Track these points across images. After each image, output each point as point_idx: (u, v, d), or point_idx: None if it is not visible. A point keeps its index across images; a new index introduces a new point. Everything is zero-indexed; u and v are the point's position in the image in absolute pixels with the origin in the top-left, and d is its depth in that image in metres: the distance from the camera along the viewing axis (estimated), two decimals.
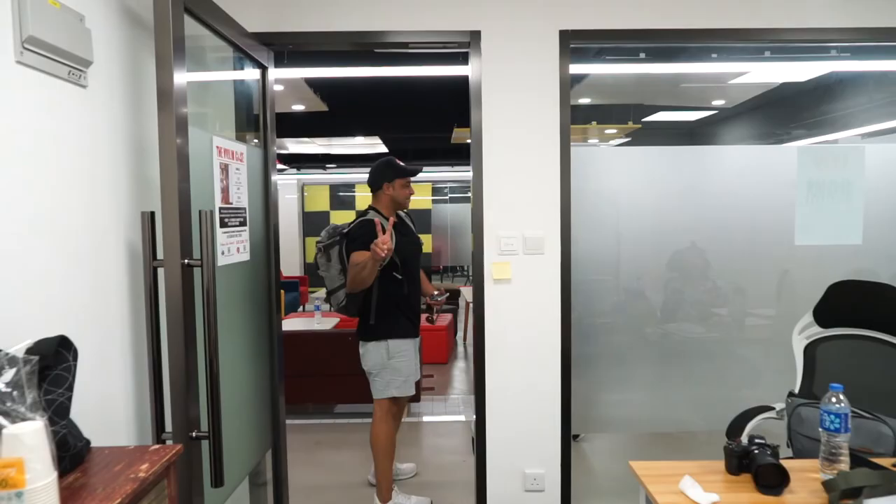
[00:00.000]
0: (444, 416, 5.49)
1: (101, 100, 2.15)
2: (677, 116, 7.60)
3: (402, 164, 3.80)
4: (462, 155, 10.02)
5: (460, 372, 7.06)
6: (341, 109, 6.48)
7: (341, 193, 14.25)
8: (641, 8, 3.27)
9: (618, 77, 4.14)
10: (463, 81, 3.42)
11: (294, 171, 13.35)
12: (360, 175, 12.93)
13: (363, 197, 13.53)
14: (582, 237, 3.44)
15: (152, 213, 2.18)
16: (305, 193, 14.17)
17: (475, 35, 3.29)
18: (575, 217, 3.38)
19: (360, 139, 9.30)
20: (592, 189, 3.45)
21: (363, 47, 3.33)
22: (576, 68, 3.38)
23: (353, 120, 7.37)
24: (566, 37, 3.26)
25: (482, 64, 3.28)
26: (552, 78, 3.27)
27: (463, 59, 3.38)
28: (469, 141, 3.41)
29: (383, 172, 3.76)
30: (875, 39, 3.33)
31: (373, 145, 9.83)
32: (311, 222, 14.06)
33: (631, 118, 6.82)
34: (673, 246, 3.48)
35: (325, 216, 14.05)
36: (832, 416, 1.88)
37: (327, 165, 12.54)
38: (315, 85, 4.84)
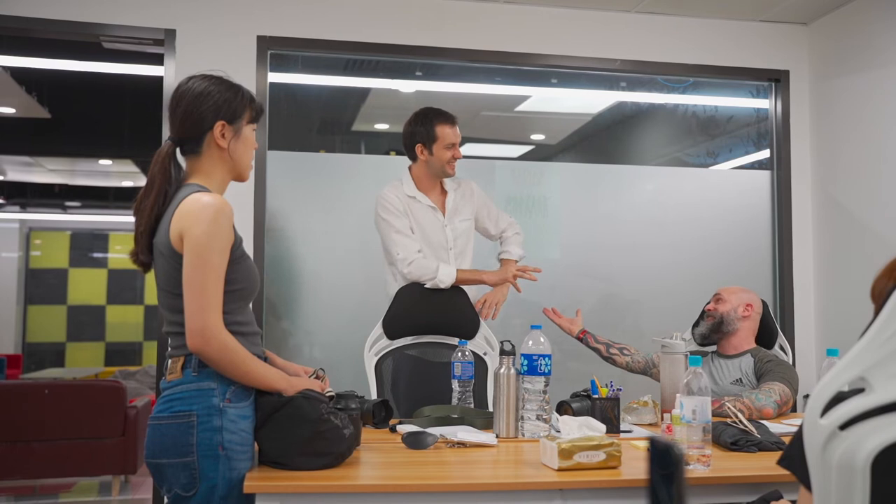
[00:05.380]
0: None
1: None
2: (495, 151, 7.47)
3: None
4: None
5: None
6: (71, 118, 5.17)
7: (89, 245, 9.12)
8: (348, 20, 3.15)
9: (423, 98, 3.79)
10: None
11: (18, 209, 8.67)
12: (117, 217, 8.77)
13: (121, 250, 9.13)
14: None
15: None
16: (36, 242, 9.07)
17: (170, 33, 3.03)
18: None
19: (107, 163, 6.87)
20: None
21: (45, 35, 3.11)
22: (285, 77, 3.25)
23: (87, 132, 5.58)
24: (265, 43, 3.06)
25: (177, 66, 3.01)
26: (250, 86, 3.04)
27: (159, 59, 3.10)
28: None
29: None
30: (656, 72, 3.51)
31: (127, 174, 7.32)
32: (42, 284, 8.93)
33: None
34: None
35: (62, 275, 9.01)
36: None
37: (67, 203, 8.59)
38: (26, 80, 4.20)
